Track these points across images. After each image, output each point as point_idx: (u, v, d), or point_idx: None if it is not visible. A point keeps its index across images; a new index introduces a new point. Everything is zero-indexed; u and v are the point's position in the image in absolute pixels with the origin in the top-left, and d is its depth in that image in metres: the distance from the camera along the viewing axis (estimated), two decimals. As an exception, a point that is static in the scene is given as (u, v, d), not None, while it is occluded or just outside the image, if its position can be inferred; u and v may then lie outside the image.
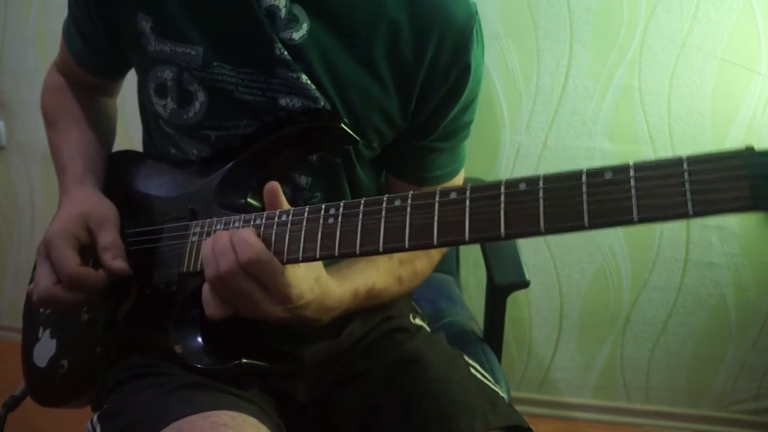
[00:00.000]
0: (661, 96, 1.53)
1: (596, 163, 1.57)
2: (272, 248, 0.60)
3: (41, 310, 0.84)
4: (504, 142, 1.61)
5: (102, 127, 0.87)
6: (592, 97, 1.56)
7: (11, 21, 1.79)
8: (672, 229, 1.62)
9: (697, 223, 1.60)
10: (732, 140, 1.54)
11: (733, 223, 1.59)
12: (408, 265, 0.79)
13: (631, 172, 0.42)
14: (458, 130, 0.78)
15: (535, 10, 1.52)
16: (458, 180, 0.83)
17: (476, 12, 0.71)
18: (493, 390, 0.73)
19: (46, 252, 0.69)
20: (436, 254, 0.83)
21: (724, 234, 1.60)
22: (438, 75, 0.70)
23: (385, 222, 0.53)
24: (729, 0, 1.45)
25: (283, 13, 0.66)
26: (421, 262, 0.81)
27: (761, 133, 1.52)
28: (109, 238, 0.70)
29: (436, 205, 0.50)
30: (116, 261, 0.69)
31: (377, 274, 0.74)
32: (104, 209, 0.73)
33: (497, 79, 1.57)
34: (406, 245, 0.51)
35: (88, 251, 0.70)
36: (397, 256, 0.77)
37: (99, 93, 0.90)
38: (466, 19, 0.70)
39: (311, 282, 0.62)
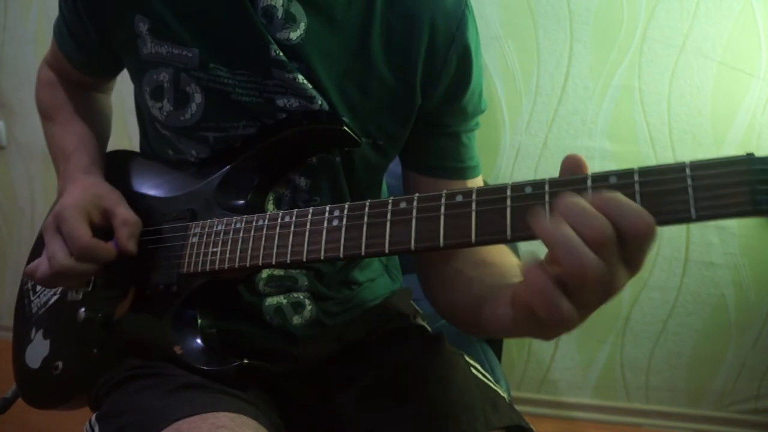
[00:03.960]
0: (661, 96, 1.53)
1: (596, 163, 1.58)
2: (275, 249, 0.60)
3: (34, 310, 0.84)
4: (504, 142, 1.61)
5: (99, 123, 0.87)
6: (592, 97, 1.56)
7: (11, 21, 1.79)
8: (672, 229, 1.62)
9: (697, 223, 1.60)
10: (732, 140, 1.54)
11: (733, 223, 1.59)
12: None
13: (636, 177, 0.43)
14: (470, 117, 0.76)
15: (535, 10, 1.52)
16: (478, 182, 0.80)
17: None
18: (494, 390, 0.73)
19: (56, 225, 0.69)
20: None
21: (724, 234, 1.60)
22: (437, 61, 0.69)
23: (390, 224, 0.53)
24: (729, 0, 1.45)
25: (280, 13, 0.66)
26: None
27: (761, 133, 1.52)
28: (127, 213, 0.71)
29: (442, 207, 0.50)
30: (130, 241, 0.70)
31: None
32: (116, 193, 0.74)
33: (497, 79, 1.57)
34: (412, 247, 0.51)
35: (100, 232, 0.70)
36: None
37: (92, 89, 0.90)
38: (456, 3, 0.70)
39: None
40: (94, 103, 0.89)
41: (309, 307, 0.77)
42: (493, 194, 0.48)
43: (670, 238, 1.62)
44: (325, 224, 0.57)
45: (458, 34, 0.69)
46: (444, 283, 0.73)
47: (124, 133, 1.56)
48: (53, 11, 0.78)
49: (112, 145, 0.89)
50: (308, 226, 0.58)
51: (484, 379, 0.75)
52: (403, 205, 0.53)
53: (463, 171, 0.77)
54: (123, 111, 1.48)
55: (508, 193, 0.47)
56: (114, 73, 0.87)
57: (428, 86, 0.71)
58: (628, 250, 0.42)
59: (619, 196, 0.42)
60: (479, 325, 0.62)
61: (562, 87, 1.56)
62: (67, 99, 0.85)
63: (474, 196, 0.49)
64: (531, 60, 1.55)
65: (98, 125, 0.86)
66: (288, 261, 0.58)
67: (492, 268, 0.67)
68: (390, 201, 0.53)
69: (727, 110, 1.52)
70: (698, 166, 0.41)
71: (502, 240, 0.47)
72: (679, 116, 1.54)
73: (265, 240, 0.61)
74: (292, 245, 0.58)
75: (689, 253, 1.63)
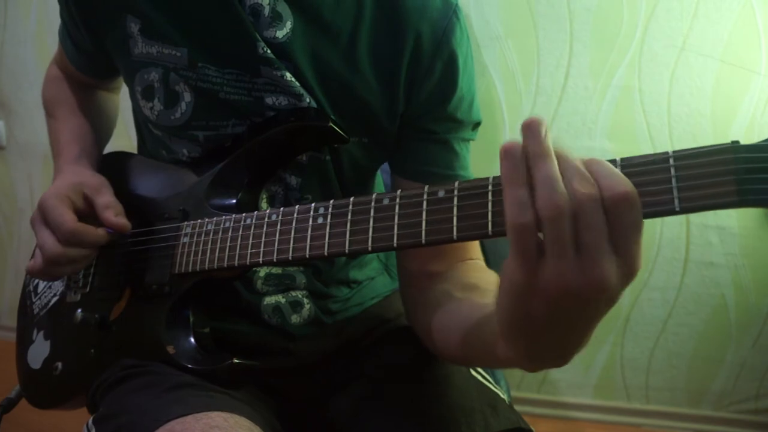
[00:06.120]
0: (661, 96, 1.53)
1: (596, 163, 1.57)
2: (262, 248, 0.60)
3: (35, 311, 0.84)
4: (504, 143, 1.60)
5: (98, 118, 0.88)
6: (592, 97, 1.55)
7: (11, 21, 1.79)
8: (672, 229, 1.62)
9: (697, 223, 1.60)
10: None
11: (733, 223, 1.59)
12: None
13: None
14: (461, 126, 0.74)
15: (535, 10, 1.51)
16: None
17: (456, 4, 0.70)
18: (494, 392, 0.73)
19: (42, 217, 0.70)
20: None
21: (724, 234, 1.60)
22: (421, 69, 0.69)
23: (373, 221, 0.53)
24: (729, 0, 1.45)
25: (266, 11, 0.66)
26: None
27: (761, 133, 1.52)
28: (107, 198, 0.72)
29: (424, 203, 0.50)
30: (119, 218, 0.71)
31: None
32: (98, 179, 0.75)
33: (497, 79, 1.57)
34: (395, 244, 0.51)
35: (85, 218, 0.71)
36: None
37: (98, 88, 0.92)
38: (443, 11, 0.69)
39: None
40: (96, 100, 0.91)
41: (308, 306, 0.77)
42: (474, 189, 0.47)
43: (670, 238, 1.62)
44: (310, 222, 0.57)
45: (444, 40, 0.69)
46: (430, 304, 0.69)
47: (125, 134, 1.56)
48: (53, 11, 0.79)
49: (114, 145, 0.90)
50: (294, 224, 0.58)
51: (484, 381, 0.75)
52: (385, 201, 0.52)
53: (454, 180, 0.73)
54: (123, 112, 1.48)
55: (490, 187, 0.47)
56: (116, 75, 0.88)
57: (411, 92, 0.70)
58: (612, 225, 0.38)
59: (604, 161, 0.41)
60: (467, 349, 0.59)
61: (562, 87, 1.56)
62: (68, 95, 0.87)
63: (456, 192, 0.48)
64: (531, 60, 1.55)
65: (96, 120, 0.87)
66: (275, 260, 0.58)
67: (483, 294, 0.62)
68: (373, 198, 0.53)
69: (727, 110, 1.52)
70: (682, 156, 0.40)
71: (484, 235, 0.46)
72: (679, 116, 1.54)
73: (253, 239, 0.61)
74: (279, 244, 0.58)
75: (689, 254, 1.63)
